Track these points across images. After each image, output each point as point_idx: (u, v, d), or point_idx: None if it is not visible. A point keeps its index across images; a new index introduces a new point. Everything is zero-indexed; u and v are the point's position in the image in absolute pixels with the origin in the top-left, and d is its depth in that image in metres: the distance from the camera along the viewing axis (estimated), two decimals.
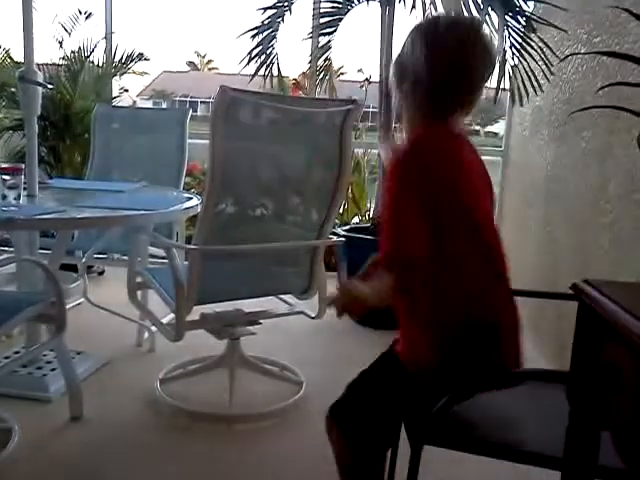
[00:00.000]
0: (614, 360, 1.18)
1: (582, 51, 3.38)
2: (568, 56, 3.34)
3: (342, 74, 6.06)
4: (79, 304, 3.30)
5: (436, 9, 3.59)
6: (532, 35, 3.51)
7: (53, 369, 2.59)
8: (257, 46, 3.99)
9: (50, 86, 3.92)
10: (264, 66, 4.02)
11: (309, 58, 4.63)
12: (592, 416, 1.23)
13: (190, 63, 40.42)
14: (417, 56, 1.40)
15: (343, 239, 2.80)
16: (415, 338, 1.51)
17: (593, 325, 1.27)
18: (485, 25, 3.45)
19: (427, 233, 1.33)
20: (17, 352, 2.68)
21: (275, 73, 4.08)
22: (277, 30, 4.01)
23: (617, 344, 1.15)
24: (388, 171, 1.40)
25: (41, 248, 2.71)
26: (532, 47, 3.46)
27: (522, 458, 1.41)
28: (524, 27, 3.51)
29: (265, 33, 3.99)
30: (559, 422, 1.30)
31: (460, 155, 1.43)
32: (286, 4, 3.97)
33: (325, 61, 4.38)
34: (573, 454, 1.28)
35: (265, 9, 3.93)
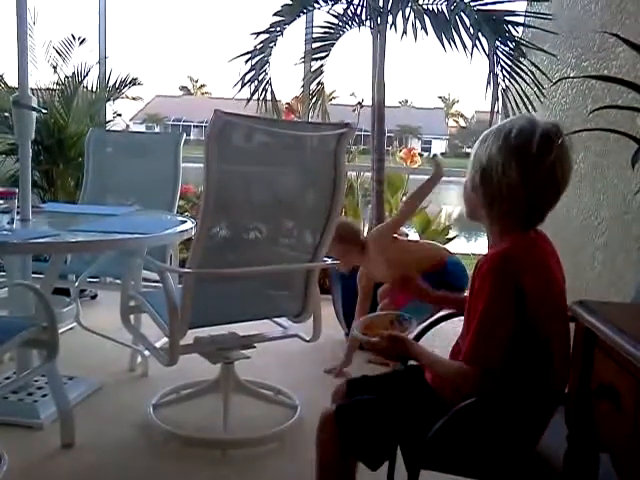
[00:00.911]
0: (612, 381, 1.18)
1: (571, 75, 3.43)
2: (560, 79, 3.39)
3: (334, 98, 6.12)
4: (71, 328, 3.27)
5: (427, 34, 3.65)
6: (522, 59, 3.56)
7: (44, 395, 2.55)
8: (250, 70, 4.03)
9: (44, 111, 3.94)
10: (258, 91, 4.06)
11: (302, 82, 4.67)
12: (591, 438, 1.23)
13: (183, 88, 40.77)
14: (512, 177, 1.42)
15: (337, 262, 2.80)
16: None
17: (590, 346, 1.28)
18: (475, 49, 3.50)
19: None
20: (7, 378, 2.65)
21: (269, 97, 4.11)
22: (270, 55, 4.05)
23: (614, 365, 1.15)
24: (481, 274, 1.44)
25: (34, 272, 2.70)
26: (523, 71, 3.51)
27: None
28: (514, 51, 3.56)
29: (258, 57, 4.02)
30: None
31: (546, 258, 1.49)
32: (278, 29, 4.01)
33: (318, 85, 4.42)
34: (573, 477, 1.27)
35: (258, 34, 3.97)
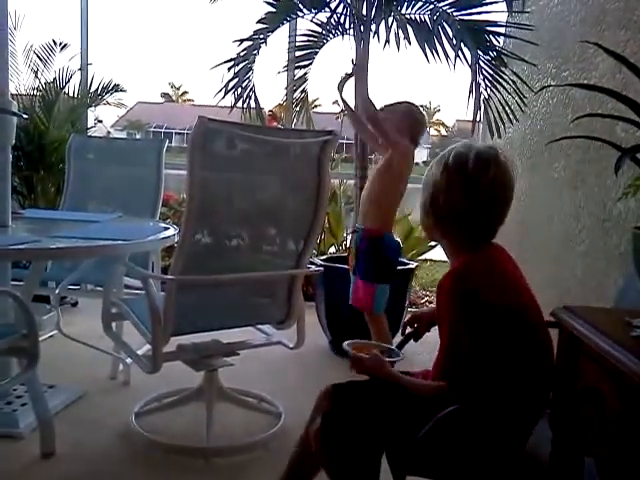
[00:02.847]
0: (596, 384, 1.19)
1: (551, 84, 3.48)
2: (544, 88, 3.43)
3: (317, 106, 6.14)
4: (52, 336, 3.22)
5: (410, 43, 3.67)
6: (504, 69, 3.60)
7: (24, 404, 2.51)
8: (233, 78, 4.02)
9: (25, 116, 3.90)
10: (241, 98, 4.05)
11: (285, 90, 4.68)
12: (575, 442, 1.23)
13: (165, 95, 40.63)
14: (456, 198, 1.51)
15: (321, 269, 2.81)
16: None
17: (574, 351, 1.29)
18: (458, 59, 3.53)
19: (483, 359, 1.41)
20: None
21: (252, 105, 4.11)
22: (253, 62, 4.05)
23: (599, 369, 1.16)
24: (442, 293, 1.51)
25: (13, 279, 2.66)
26: (505, 80, 3.55)
27: None
28: (495, 61, 3.60)
29: (241, 65, 4.02)
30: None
31: (505, 269, 1.55)
32: (262, 36, 4.01)
33: (301, 93, 4.43)
34: None
35: (241, 41, 3.97)
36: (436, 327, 1.77)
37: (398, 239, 3.24)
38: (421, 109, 3.19)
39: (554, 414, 1.34)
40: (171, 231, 2.60)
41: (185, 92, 42.10)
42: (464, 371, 1.42)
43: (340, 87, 3.13)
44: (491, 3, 3.70)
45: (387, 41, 3.67)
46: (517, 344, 1.42)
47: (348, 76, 3.15)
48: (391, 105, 3.06)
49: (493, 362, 1.40)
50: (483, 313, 1.41)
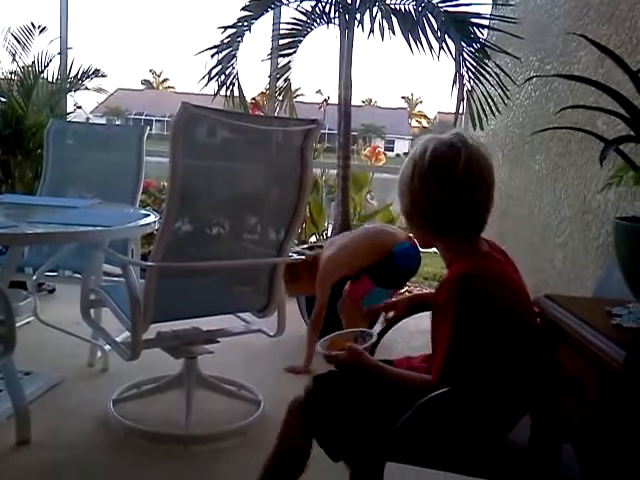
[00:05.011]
0: (576, 372, 1.20)
1: (534, 78, 3.50)
2: (528, 79, 3.44)
3: (300, 95, 6.12)
4: (28, 322, 3.18)
5: (394, 34, 3.67)
6: (487, 61, 3.61)
7: None
8: (217, 65, 3.99)
9: (2, 99, 3.83)
10: (224, 85, 4.02)
11: (268, 78, 4.65)
12: (554, 429, 1.25)
13: (145, 81, 40.22)
14: (435, 193, 1.44)
15: (302, 257, 2.81)
16: None
17: (555, 339, 1.30)
18: (442, 52, 3.53)
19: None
20: None
21: (236, 93, 4.08)
22: (237, 49, 4.02)
23: (579, 357, 1.17)
24: (443, 296, 1.45)
25: None
26: (488, 72, 3.56)
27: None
28: (479, 53, 3.61)
29: (225, 52, 3.99)
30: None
31: (505, 272, 1.49)
32: (246, 24, 3.98)
33: (285, 82, 4.41)
34: (535, 467, 1.30)
35: (225, 28, 3.94)
36: (416, 315, 1.78)
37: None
38: None
39: (534, 401, 1.35)
40: (151, 218, 2.57)
41: (166, 79, 41.71)
42: (459, 373, 1.39)
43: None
44: None
45: (371, 31, 3.67)
46: (515, 345, 1.39)
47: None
48: None
49: (488, 364, 1.38)
50: (488, 316, 1.38)
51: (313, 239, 4.95)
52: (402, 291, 5.17)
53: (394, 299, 1.81)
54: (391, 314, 1.81)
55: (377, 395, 1.52)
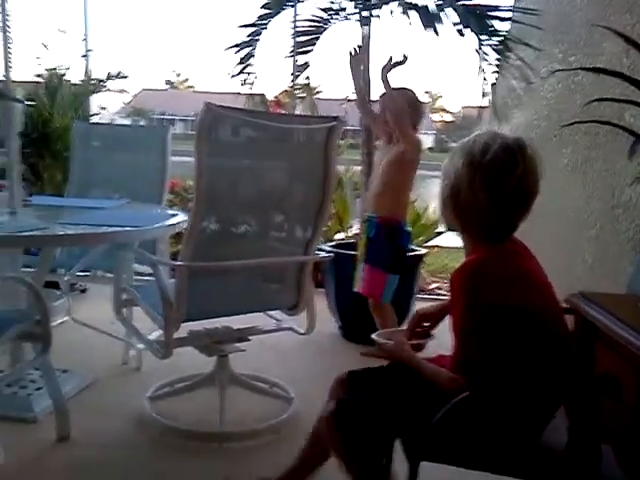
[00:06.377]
0: (612, 371, 1.20)
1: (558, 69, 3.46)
2: (553, 72, 3.39)
3: (320, 92, 6.11)
4: (63, 322, 3.25)
5: (411, 24, 3.66)
6: (510, 54, 3.58)
7: (38, 388, 2.54)
8: (238, 64, 4.02)
9: (27, 102, 3.90)
10: (245, 84, 4.05)
11: (289, 76, 4.66)
12: (592, 430, 1.24)
13: (168, 82, 40.46)
14: (479, 193, 1.43)
15: (331, 255, 2.82)
16: None
17: (590, 338, 1.30)
18: (463, 46, 3.52)
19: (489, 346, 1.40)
20: (1, 371, 2.62)
21: (256, 91, 4.11)
22: (257, 48, 4.05)
23: (615, 356, 1.17)
24: (455, 284, 1.47)
25: (22, 266, 2.67)
26: (511, 65, 3.53)
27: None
28: (500, 46, 3.58)
29: (245, 51, 4.02)
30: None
31: (524, 267, 1.49)
32: (265, 22, 4.00)
33: (305, 79, 4.42)
34: (575, 468, 1.29)
35: (245, 26, 3.96)
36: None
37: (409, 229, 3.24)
38: (418, 95, 3.18)
39: (571, 401, 1.35)
40: (180, 217, 2.60)
41: (186, 79, 41.90)
42: (478, 363, 1.41)
43: (385, 72, 3.02)
44: None
45: (390, 26, 3.68)
46: (530, 336, 1.39)
47: (395, 64, 3.06)
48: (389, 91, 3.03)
49: (504, 354, 1.40)
50: (494, 304, 1.39)
51: (339, 236, 4.96)
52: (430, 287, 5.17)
53: (428, 309, 1.78)
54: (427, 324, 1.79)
55: (409, 394, 1.53)
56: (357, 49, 3.34)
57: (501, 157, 1.42)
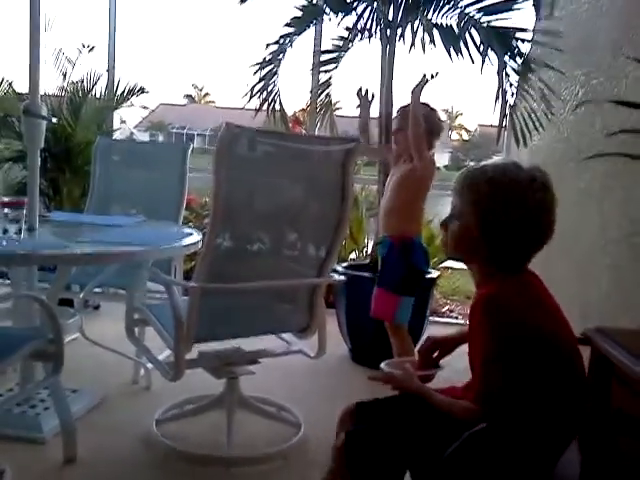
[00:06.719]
0: (626, 408, 1.17)
1: (579, 92, 3.42)
2: (578, 106, 3.33)
3: (339, 109, 6.13)
4: (74, 339, 3.25)
5: (435, 46, 3.66)
6: (531, 75, 3.56)
7: (46, 408, 2.52)
8: (259, 82, 4.04)
9: (54, 120, 3.93)
10: (267, 101, 4.07)
11: (309, 94, 4.67)
12: (604, 464, 1.21)
13: (188, 96, 40.91)
14: (508, 222, 1.43)
15: (344, 277, 2.79)
16: None
17: (605, 373, 1.26)
18: (484, 65, 3.50)
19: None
20: (10, 390, 2.62)
21: (277, 108, 4.12)
22: (279, 66, 4.06)
23: (631, 392, 1.14)
24: (476, 316, 1.46)
25: (38, 280, 2.68)
26: (532, 87, 3.50)
27: None
28: (522, 68, 3.56)
29: (267, 69, 4.04)
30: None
31: (540, 297, 1.48)
32: (288, 40, 4.02)
33: (326, 97, 4.43)
34: None
35: (268, 45, 3.99)
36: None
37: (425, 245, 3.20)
38: (437, 112, 3.15)
39: (584, 436, 1.31)
40: (195, 237, 2.59)
41: (207, 94, 42.34)
42: (500, 393, 1.38)
43: (419, 91, 2.96)
44: (519, 9, 3.67)
45: (412, 45, 3.67)
46: (549, 366, 1.38)
47: (427, 82, 3.02)
48: (406, 107, 3.01)
49: (525, 384, 1.37)
50: (516, 334, 1.38)
51: (353, 255, 4.94)
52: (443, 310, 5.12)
53: (441, 337, 1.74)
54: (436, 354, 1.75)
55: (420, 426, 1.50)
56: (366, 90, 3.37)
57: (520, 187, 1.42)
